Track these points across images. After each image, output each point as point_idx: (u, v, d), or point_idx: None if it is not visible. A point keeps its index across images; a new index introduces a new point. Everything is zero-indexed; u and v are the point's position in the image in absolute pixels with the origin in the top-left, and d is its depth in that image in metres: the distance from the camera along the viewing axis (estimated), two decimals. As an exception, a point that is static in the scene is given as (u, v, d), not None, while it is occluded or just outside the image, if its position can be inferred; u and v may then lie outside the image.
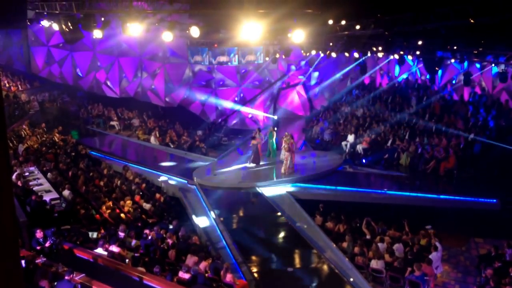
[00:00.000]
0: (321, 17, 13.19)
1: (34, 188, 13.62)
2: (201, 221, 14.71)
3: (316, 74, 29.41)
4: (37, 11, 16.05)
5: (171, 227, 13.04)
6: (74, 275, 8.35)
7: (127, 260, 10.23)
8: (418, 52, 20.37)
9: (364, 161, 19.75)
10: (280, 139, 20.17)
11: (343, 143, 21.21)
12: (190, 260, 10.57)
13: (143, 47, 26.44)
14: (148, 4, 16.70)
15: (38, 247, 10.06)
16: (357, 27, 14.22)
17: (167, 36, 13.73)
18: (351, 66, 27.97)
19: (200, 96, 26.76)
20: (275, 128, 21.53)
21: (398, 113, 23.03)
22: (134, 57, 27.20)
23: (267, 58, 23.87)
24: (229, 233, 13.57)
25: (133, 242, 11.49)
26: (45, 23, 16.11)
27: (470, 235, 14.32)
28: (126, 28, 13.58)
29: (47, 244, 10.08)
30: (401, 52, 20.92)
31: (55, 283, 8.24)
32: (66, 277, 8.12)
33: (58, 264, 8.96)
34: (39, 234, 10.27)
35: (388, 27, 13.29)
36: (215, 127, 25.92)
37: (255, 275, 11.46)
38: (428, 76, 26.09)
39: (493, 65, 22.26)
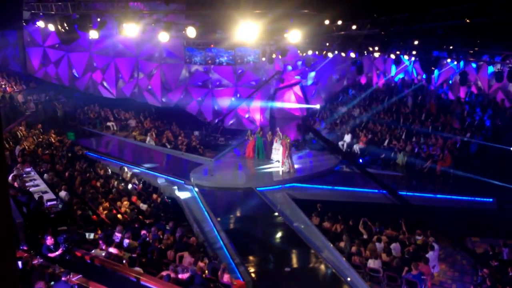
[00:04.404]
0: (318, 18, 13.20)
1: (30, 189, 13.58)
2: (198, 222, 14.70)
3: (312, 74, 29.44)
4: (32, 11, 16.00)
5: (168, 227, 13.03)
6: (71, 276, 8.33)
7: (124, 261, 10.20)
8: (414, 52, 20.42)
9: (361, 160, 19.78)
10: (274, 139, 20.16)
11: (340, 143, 21.24)
12: (186, 260, 10.58)
13: (139, 47, 26.42)
14: (144, 4, 16.71)
15: (50, 254, 9.77)
16: (353, 27, 14.25)
17: (163, 37, 13.71)
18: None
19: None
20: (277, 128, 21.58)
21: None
22: (130, 57, 27.18)
23: (263, 58, 23.87)
24: (226, 234, 13.55)
25: (130, 242, 11.47)
26: (41, 23, 16.04)
27: (467, 235, 14.36)
28: (122, 28, 13.54)
29: (59, 251, 9.86)
30: (398, 52, 20.97)
31: (52, 284, 8.22)
32: (63, 278, 8.10)
33: (55, 265, 8.94)
34: (49, 241, 9.95)
35: (384, 27, 13.32)
36: (212, 128, 25.91)
37: (253, 275, 11.45)
38: (424, 76, 26.15)
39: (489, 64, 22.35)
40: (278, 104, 28.39)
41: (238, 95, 27.40)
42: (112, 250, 10.50)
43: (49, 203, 12.79)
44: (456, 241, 12.88)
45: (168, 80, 27.18)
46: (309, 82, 29.71)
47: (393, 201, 15.92)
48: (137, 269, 9.70)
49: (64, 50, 26.79)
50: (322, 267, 11.99)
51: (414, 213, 14.86)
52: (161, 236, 12.04)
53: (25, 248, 9.79)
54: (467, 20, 10.77)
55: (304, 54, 23.83)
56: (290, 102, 28.75)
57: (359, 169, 18.52)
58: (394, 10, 12.68)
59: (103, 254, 10.28)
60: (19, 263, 8.32)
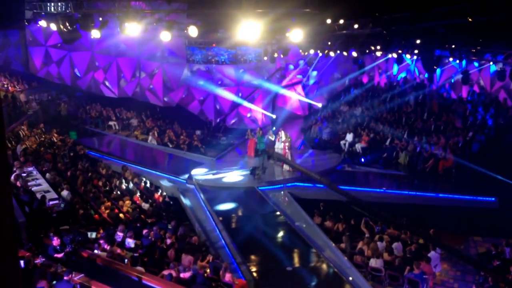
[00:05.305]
0: (319, 17, 13.18)
1: (32, 189, 13.59)
2: (200, 221, 14.72)
3: (314, 73, 29.43)
4: (34, 11, 16.01)
5: (170, 227, 13.04)
6: (73, 275, 8.35)
7: (126, 260, 10.22)
8: (416, 51, 20.39)
9: (363, 160, 19.76)
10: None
11: (342, 142, 21.22)
12: (186, 259, 10.59)
13: (141, 47, 26.44)
14: (146, 4, 16.70)
15: (56, 255, 9.72)
16: (355, 26, 14.22)
17: (165, 36, 13.71)
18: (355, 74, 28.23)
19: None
20: (274, 128, 21.52)
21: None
22: (132, 57, 27.21)
23: (265, 58, 23.87)
24: (228, 233, 13.57)
25: (132, 242, 11.49)
26: (43, 23, 16.05)
27: (469, 234, 14.35)
28: (124, 28, 13.55)
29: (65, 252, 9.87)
30: (400, 51, 20.93)
31: (54, 283, 8.24)
32: (65, 277, 8.12)
33: (57, 265, 8.95)
34: (56, 241, 9.92)
35: (386, 26, 13.29)
36: (213, 127, 25.92)
37: (254, 274, 11.46)
38: (426, 75, 26.10)
39: (491, 63, 22.29)
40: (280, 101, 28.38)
41: (240, 94, 27.39)
42: (114, 249, 10.52)
43: (51, 203, 12.81)
44: (449, 249, 12.75)
45: (170, 79, 27.19)
46: (311, 81, 29.69)
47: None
48: (139, 268, 9.71)
49: (66, 50, 26.85)
50: (324, 266, 11.99)
51: (416, 212, 14.86)
52: (163, 236, 12.05)
53: (31, 247, 9.80)
54: (469, 19, 10.75)
55: (306, 53, 23.83)
56: (292, 101, 28.72)
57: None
58: (396, 9, 12.67)
59: (105, 253, 10.30)
60: (21, 262, 8.34)
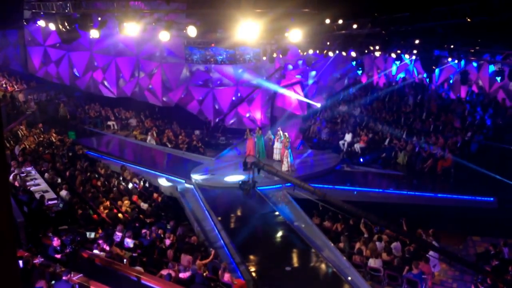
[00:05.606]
0: (318, 17, 13.19)
1: (31, 189, 13.58)
2: (199, 221, 14.71)
3: (313, 73, 29.41)
4: (33, 11, 16.01)
5: (169, 227, 13.04)
6: (72, 275, 8.34)
7: (124, 260, 10.21)
8: (415, 51, 20.40)
9: (361, 160, 19.77)
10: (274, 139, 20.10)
11: (341, 142, 21.22)
12: (185, 259, 10.59)
13: (140, 46, 26.41)
14: (145, 3, 16.71)
15: (56, 256, 9.70)
16: (354, 26, 14.23)
17: (164, 36, 13.70)
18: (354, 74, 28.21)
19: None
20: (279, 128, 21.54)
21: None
22: (131, 56, 27.17)
23: (264, 58, 23.87)
24: (227, 233, 13.57)
25: (131, 242, 11.48)
26: (41, 23, 16.05)
27: (467, 234, 14.36)
28: (123, 27, 13.55)
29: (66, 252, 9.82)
30: (398, 51, 20.95)
31: (53, 283, 8.23)
32: (64, 277, 8.10)
33: (56, 265, 8.94)
34: (56, 242, 9.91)
35: (385, 26, 13.31)
36: (212, 127, 25.90)
37: (253, 274, 11.46)
38: (425, 75, 26.13)
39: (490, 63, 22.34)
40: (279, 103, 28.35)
41: (239, 94, 27.38)
42: (113, 249, 10.51)
43: (49, 202, 12.80)
44: (444, 252, 12.72)
45: (169, 79, 27.16)
46: (310, 81, 29.67)
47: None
48: (138, 268, 9.70)
49: (65, 49, 26.80)
50: (323, 266, 11.99)
51: (415, 212, 14.85)
52: (162, 236, 12.05)
53: (30, 247, 9.77)
54: (468, 19, 10.76)
55: (305, 53, 23.83)
56: (291, 101, 28.70)
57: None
58: (395, 9, 12.67)
59: (104, 253, 10.29)
60: (20, 262, 8.32)
